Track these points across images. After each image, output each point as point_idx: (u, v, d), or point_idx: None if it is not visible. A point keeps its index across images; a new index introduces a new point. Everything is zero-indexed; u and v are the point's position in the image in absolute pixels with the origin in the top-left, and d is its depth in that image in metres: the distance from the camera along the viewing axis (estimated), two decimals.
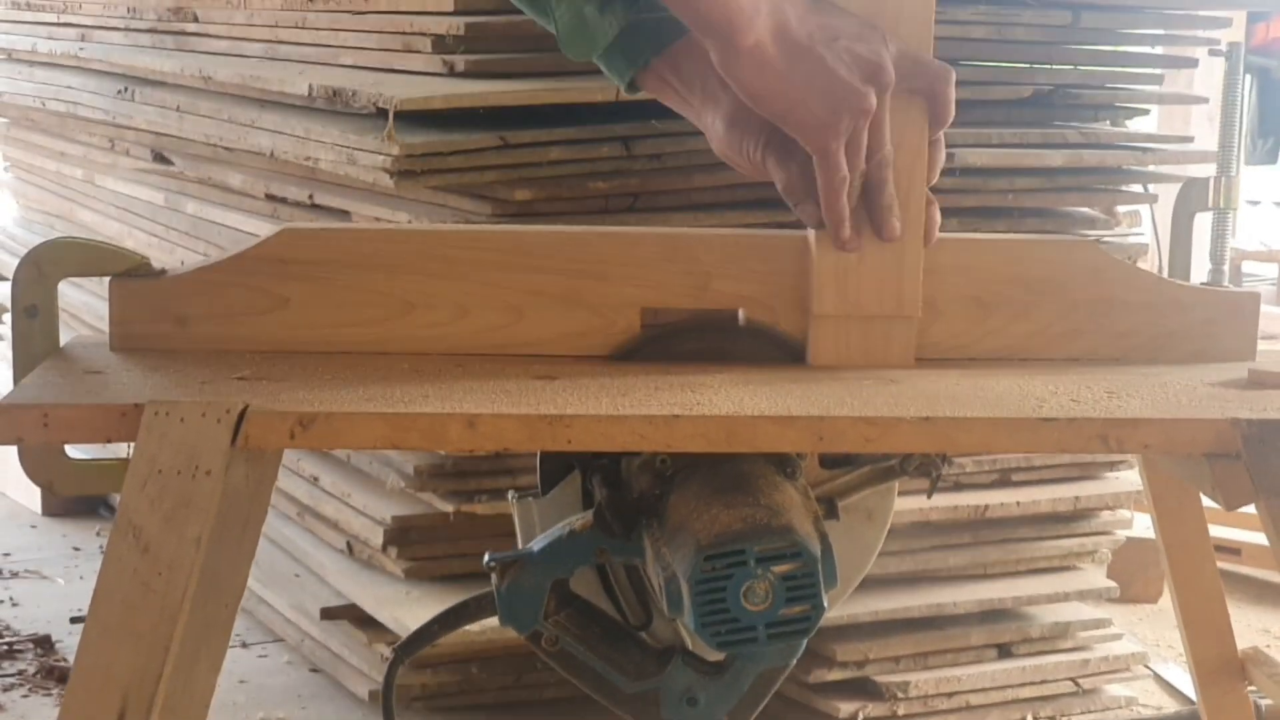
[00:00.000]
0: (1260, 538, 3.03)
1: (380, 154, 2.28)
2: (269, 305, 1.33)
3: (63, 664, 2.83)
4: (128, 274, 1.31)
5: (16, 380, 1.24)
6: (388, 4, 2.51)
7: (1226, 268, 1.54)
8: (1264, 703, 2.07)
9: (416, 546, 2.53)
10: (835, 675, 2.60)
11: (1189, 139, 2.83)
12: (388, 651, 2.35)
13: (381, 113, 2.29)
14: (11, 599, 3.18)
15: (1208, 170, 1.59)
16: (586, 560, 1.27)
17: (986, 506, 2.65)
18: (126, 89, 3.16)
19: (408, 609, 2.45)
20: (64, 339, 1.30)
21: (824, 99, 1.26)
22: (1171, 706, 2.84)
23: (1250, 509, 1.15)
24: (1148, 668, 2.88)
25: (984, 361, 1.37)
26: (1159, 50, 2.77)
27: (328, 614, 2.66)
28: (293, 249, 1.33)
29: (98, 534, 3.57)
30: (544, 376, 1.25)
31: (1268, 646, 2.06)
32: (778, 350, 1.35)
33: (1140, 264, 2.54)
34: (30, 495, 3.71)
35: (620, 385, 1.23)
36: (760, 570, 1.16)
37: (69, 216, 3.86)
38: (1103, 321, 1.39)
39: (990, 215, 2.56)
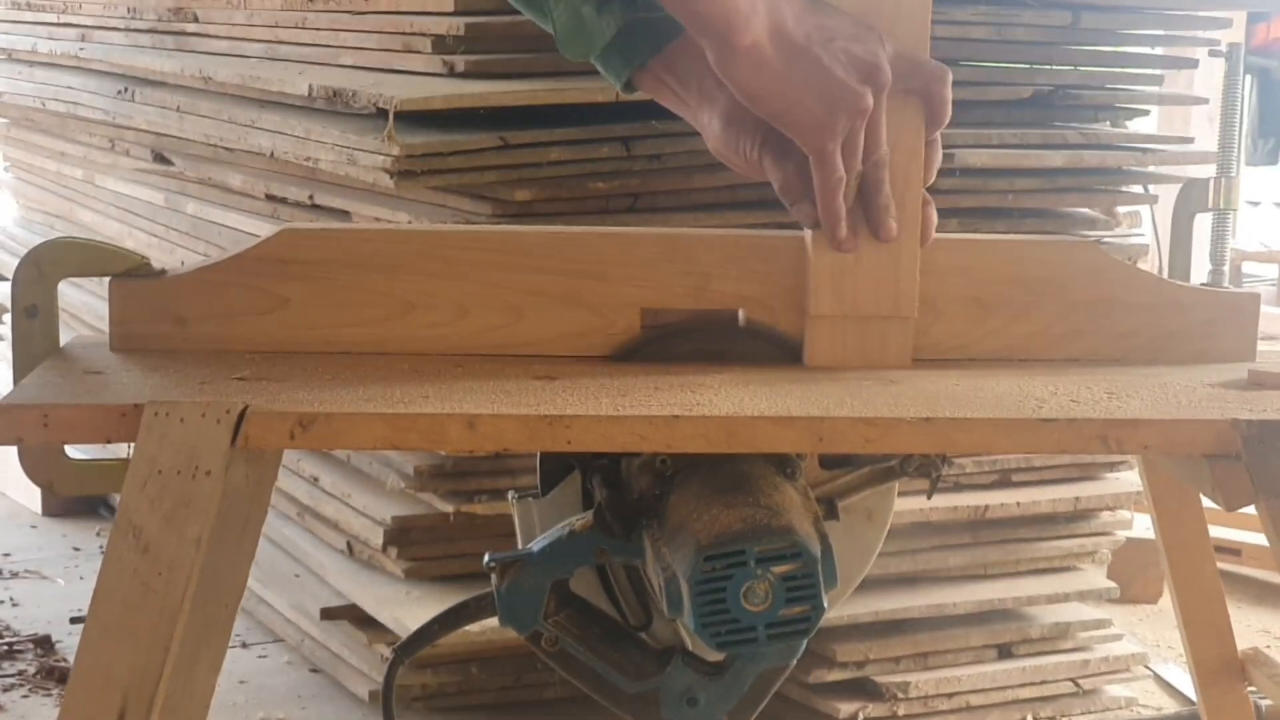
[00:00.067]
0: (1260, 538, 3.03)
1: (380, 154, 2.28)
2: (269, 305, 1.33)
3: (63, 664, 2.83)
4: (128, 274, 1.31)
5: (16, 380, 1.24)
6: (388, 4, 2.51)
7: (1226, 268, 1.54)
8: (1264, 703, 2.07)
9: (416, 547, 2.53)
10: (835, 675, 2.60)
11: (1189, 140, 2.83)
12: (388, 652, 2.35)
13: (381, 113, 2.29)
14: (11, 599, 3.18)
15: (1208, 171, 1.59)
16: (586, 560, 1.27)
17: (986, 507, 2.66)
18: (126, 89, 3.16)
19: (408, 609, 2.45)
20: (64, 339, 1.30)
21: (821, 99, 1.26)
22: (1171, 707, 2.84)
23: (1250, 509, 1.15)
24: (1148, 668, 2.88)
25: (984, 362, 1.37)
26: (1159, 51, 2.77)
27: (328, 614, 2.66)
28: (293, 249, 1.33)
29: (98, 534, 3.57)
30: (544, 377, 1.25)
31: (1268, 647, 2.07)
32: (778, 351, 1.35)
33: (1140, 265, 2.54)
34: (30, 495, 3.71)
35: (620, 385, 1.23)
36: (760, 571, 1.16)
37: (69, 216, 3.86)
38: (1103, 322, 1.39)
39: (990, 216, 2.56)
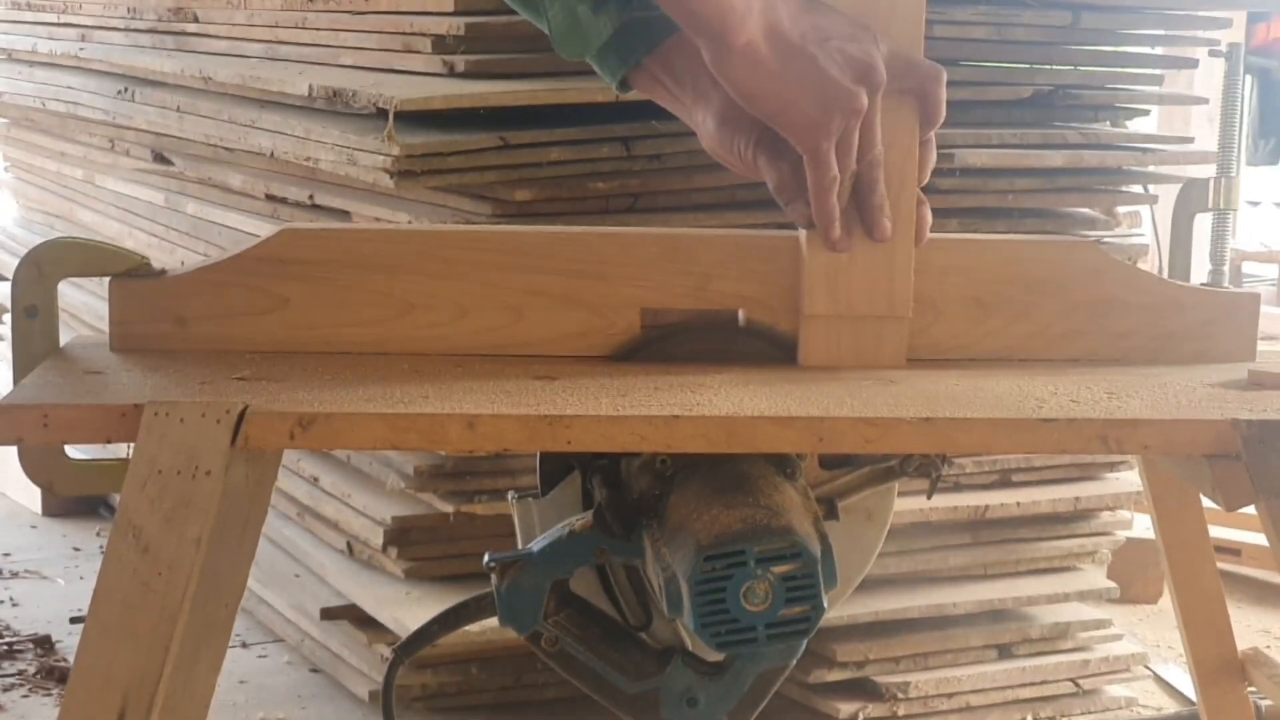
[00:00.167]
0: (1260, 538, 3.03)
1: (380, 154, 2.28)
2: (269, 305, 1.33)
3: (63, 664, 2.83)
4: (128, 274, 1.31)
5: (16, 380, 1.24)
6: (388, 4, 2.51)
7: (1226, 268, 1.54)
8: (1264, 703, 2.07)
9: (416, 547, 2.53)
10: (835, 675, 2.60)
11: (1189, 140, 2.83)
12: (388, 652, 2.35)
13: (381, 113, 2.29)
14: (11, 599, 3.18)
15: (1208, 171, 1.59)
16: (586, 561, 1.27)
17: (986, 507, 2.66)
18: (126, 89, 3.16)
19: (408, 609, 2.45)
20: (64, 339, 1.30)
21: (815, 99, 1.26)
22: (1171, 707, 2.84)
23: (1250, 509, 1.15)
24: (1148, 668, 2.88)
25: (984, 362, 1.37)
26: (1159, 51, 2.77)
27: (328, 614, 2.66)
28: (293, 249, 1.33)
29: (98, 534, 3.57)
30: (544, 377, 1.25)
31: (1268, 647, 2.07)
32: (778, 351, 1.35)
33: (1140, 265, 2.54)
34: (30, 495, 3.71)
35: (620, 385, 1.23)
36: (760, 571, 1.16)
37: (69, 216, 3.86)
38: (1103, 322, 1.39)
39: (990, 215, 2.56)
